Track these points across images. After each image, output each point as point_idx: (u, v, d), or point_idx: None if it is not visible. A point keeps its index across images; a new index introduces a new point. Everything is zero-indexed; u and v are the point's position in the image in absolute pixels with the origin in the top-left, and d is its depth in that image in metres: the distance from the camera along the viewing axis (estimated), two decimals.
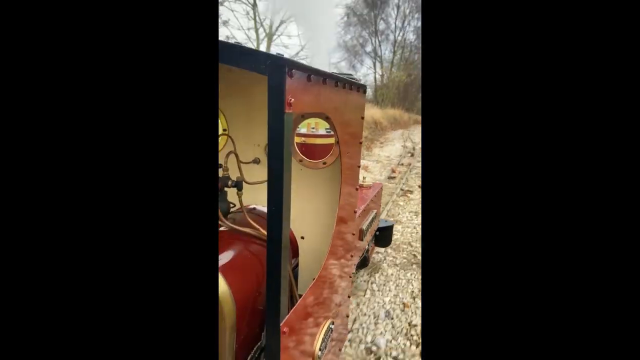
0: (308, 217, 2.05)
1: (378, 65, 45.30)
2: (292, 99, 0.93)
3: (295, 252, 2.05)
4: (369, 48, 45.21)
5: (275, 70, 0.89)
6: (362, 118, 1.86)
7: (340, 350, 2.00)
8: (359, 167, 1.89)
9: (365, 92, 1.85)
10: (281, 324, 1.06)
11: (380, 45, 44.85)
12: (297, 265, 2.07)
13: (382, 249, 4.12)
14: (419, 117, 44.86)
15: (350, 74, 1.72)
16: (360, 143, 1.88)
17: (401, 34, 45.70)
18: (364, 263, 3.26)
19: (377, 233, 3.30)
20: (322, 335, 1.45)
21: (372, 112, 24.03)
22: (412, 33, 46.10)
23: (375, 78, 45.14)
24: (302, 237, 2.09)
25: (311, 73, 1.06)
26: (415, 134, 23.01)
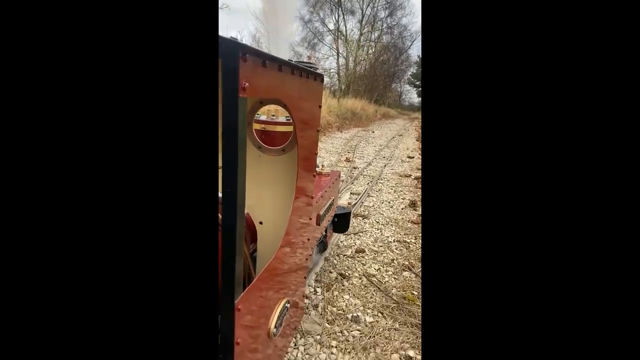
0: (266, 203, 2.06)
1: (342, 45, 36.06)
2: (246, 84, 0.95)
3: (253, 238, 2.03)
4: (332, 25, 36.18)
5: (229, 54, 0.89)
6: (320, 107, 1.90)
7: (295, 328, 2.06)
8: (316, 154, 1.95)
9: (322, 80, 1.87)
10: (236, 302, 1.10)
11: (344, 21, 35.60)
12: (255, 250, 2.05)
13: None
14: (391, 111, 37.49)
15: (310, 63, 1.77)
16: (318, 131, 1.92)
17: (370, 8, 36.52)
18: (322, 248, 3.24)
19: (335, 219, 3.32)
20: (277, 314, 1.50)
21: (325, 103, 15.33)
22: (383, 9, 36.98)
23: (338, 61, 36.03)
24: (261, 223, 2.09)
25: (266, 59, 1.08)
26: (376, 139, 14.35)
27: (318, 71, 1.76)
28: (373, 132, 17.57)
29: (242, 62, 0.91)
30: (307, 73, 1.57)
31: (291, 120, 1.60)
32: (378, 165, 8.92)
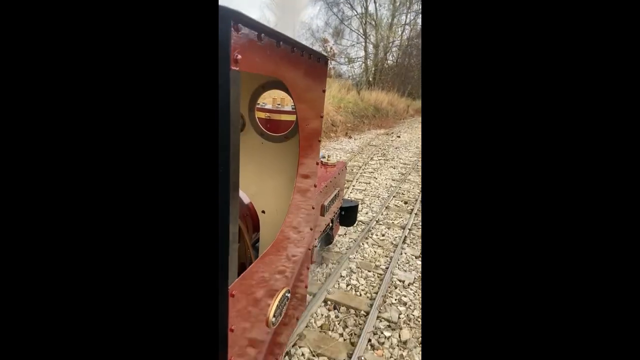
0: (269, 191, 1.95)
1: (371, 30, 31.08)
2: (239, 56, 0.87)
3: (256, 227, 2.00)
4: (360, 9, 31.26)
5: (220, 22, 0.80)
6: (323, 91, 1.75)
7: (297, 318, 1.93)
8: (320, 141, 1.81)
9: (326, 63, 1.72)
10: (230, 287, 1.04)
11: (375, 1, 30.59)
12: (258, 239, 2.02)
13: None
14: None
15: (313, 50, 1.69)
16: (321, 117, 1.78)
17: None
18: (328, 240, 3.11)
19: (342, 212, 3.20)
20: (276, 303, 1.44)
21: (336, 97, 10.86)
22: None
23: (365, 47, 31.24)
24: (263, 212, 1.99)
25: (262, 31, 0.99)
26: (400, 152, 9.61)
27: (323, 54, 1.64)
28: (398, 136, 12.30)
29: (234, 32, 0.83)
30: (310, 53, 1.45)
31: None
32: (389, 234, 3.83)
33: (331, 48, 21.56)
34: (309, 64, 1.44)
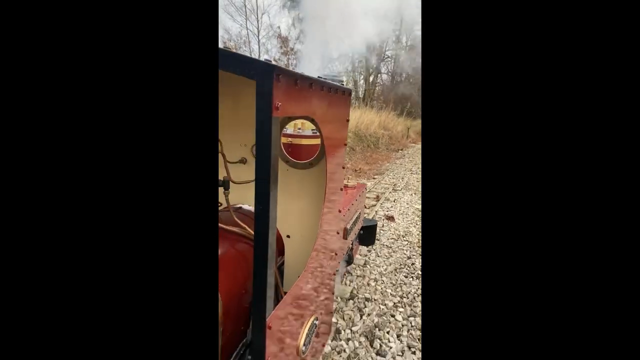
0: (294, 216, 2.08)
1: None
2: (279, 104, 0.97)
3: (281, 251, 2.08)
4: None
5: (264, 76, 0.93)
6: (347, 120, 1.92)
7: (323, 345, 1.97)
8: (344, 167, 1.89)
9: (350, 94, 1.87)
10: (267, 319, 1.09)
11: None
12: (282, 263, 2.09)
13: None
14: None
15: (341, 81, 1.91)
16: (345, 144, 1.91)
17: None
18: (348, 261, 3.14)
19: (361, 232, 3.26)
20: (306, 331, 1.48)
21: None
22: None
23: (352, 59, 25.23)
24: (288, 236, 2.12)
25: (298, 78, 1.11)
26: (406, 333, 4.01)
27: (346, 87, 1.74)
28: (389, 217, 5.75)
29: (276, 83, 0.93)
30: (336, 89, 1.58)
31: (318, 134, 1.59)
32: None
33: (292, 49, 15.53)
34: (335, 99, 1.55)
